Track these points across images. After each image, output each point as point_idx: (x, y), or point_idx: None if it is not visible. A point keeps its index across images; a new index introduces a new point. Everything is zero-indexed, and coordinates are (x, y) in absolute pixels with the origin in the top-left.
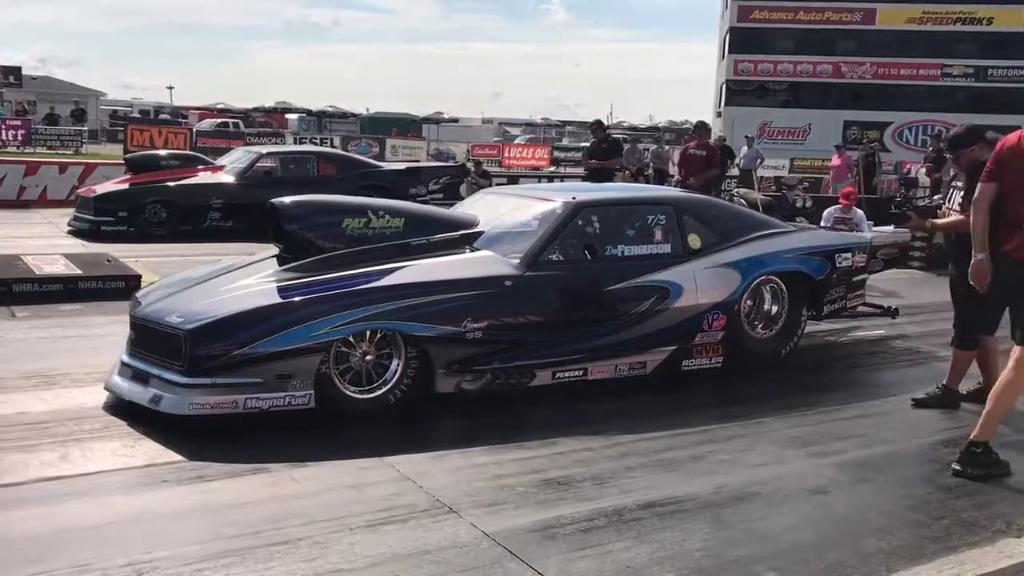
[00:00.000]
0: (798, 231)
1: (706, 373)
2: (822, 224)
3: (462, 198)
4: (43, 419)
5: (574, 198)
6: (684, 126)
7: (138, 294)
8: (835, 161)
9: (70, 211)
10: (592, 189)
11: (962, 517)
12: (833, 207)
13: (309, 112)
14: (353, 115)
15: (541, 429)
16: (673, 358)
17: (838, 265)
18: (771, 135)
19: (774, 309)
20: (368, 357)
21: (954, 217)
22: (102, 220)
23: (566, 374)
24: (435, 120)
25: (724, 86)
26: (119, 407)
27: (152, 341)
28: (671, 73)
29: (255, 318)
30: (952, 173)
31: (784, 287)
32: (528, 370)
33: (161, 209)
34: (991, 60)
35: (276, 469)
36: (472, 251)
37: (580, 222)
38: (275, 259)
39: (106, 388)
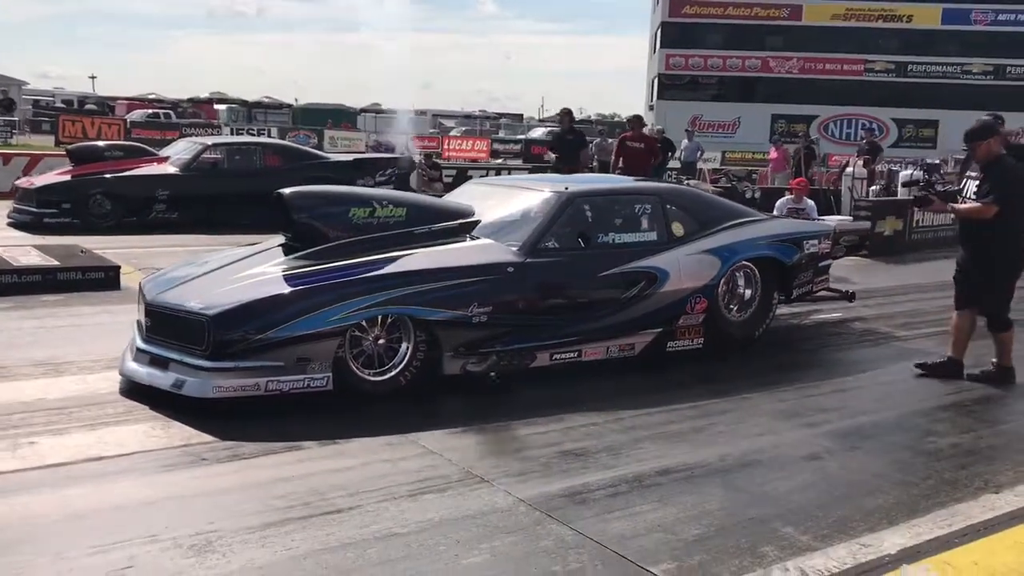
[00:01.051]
0: (769, 219)
1: (689, 354)
2: (775, 214)
3: (413, 190)
4: (64, 404)
5: (567, 188)
6: (615, 119)
7: (144, 282)
8: (773, 154)
9: (7, 203)
10: (581, 180)
11: (945, 477)
12: (785, 198)
13: (245, 103)
14: (288, 106)
15: (545, 407)
16: (659, 340)
17: (806, 251)
18: (702, 128)
19: (747, 293)
20: (380, 341)
21: (971, 204)
22: (45, 212)
23: (563, 356)
24: (373, 111)
25: (656, 80)
26: (136, 392)
27: (171, 327)
28: (600, 66)
29: (276, 304)
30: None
31: (757, 272)
32: (529, 352)
33: (106, 201)
34: (911, 56)
35: (308, 446)
36: (472, 239)
37: (573, 211)
38: (281, 248)
39: (121, 374)
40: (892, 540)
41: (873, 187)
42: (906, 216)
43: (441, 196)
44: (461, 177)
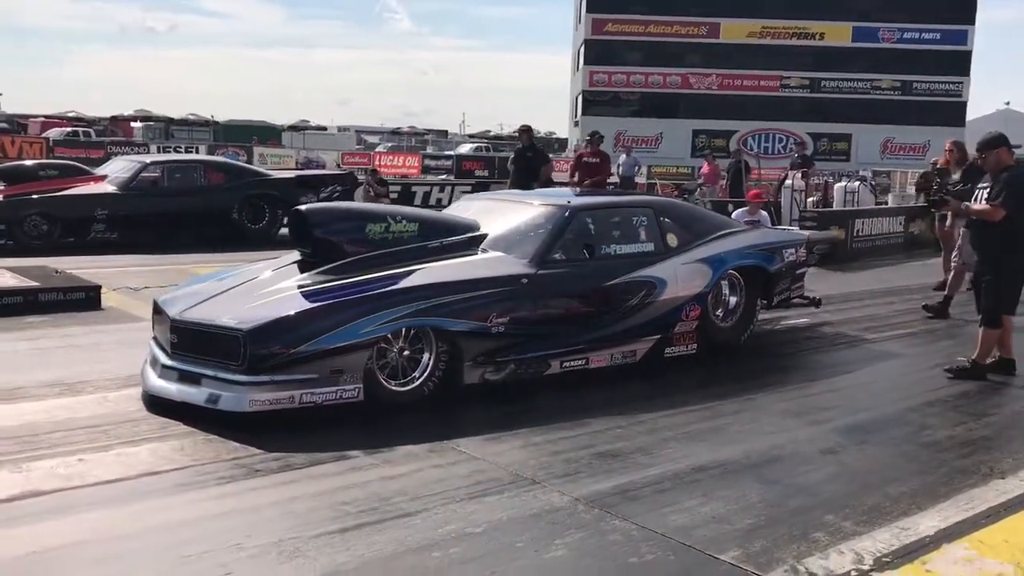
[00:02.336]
0: (751, 230)
1: (683, 359)
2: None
3: None
4: (96, 423)
5: (569, 202)
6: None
7: (160, 300)
8: (705, 169)
9: None
10: (583, 194)
11: (954, 466)
12: (740, 210)
13: (171, 120)
14: (214, 123)
15: (564, 413)
16: (658, 346)
17: (786, 259)
18: (626, 143)
19: (732, 300)
20: (405, 352)
21: (983, 205)
22: None
23: (572, 363)
24: (301, 127)
25: (580, 96)
26: (161, 408)
27: (202, 343)
28: (516, 83)
29: (308, 318)
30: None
31: (742, 280)
32: (544, 360)
33: (42, 221)
34: (823, 72)
35: (354, 455)
36: (482, 253)
37: (577, 224)
38: (298, 264)
39: (148, 391)
40: (926, 523)
41: (811, 198)
42: (848, 226)
43: None
44: (406, 193)
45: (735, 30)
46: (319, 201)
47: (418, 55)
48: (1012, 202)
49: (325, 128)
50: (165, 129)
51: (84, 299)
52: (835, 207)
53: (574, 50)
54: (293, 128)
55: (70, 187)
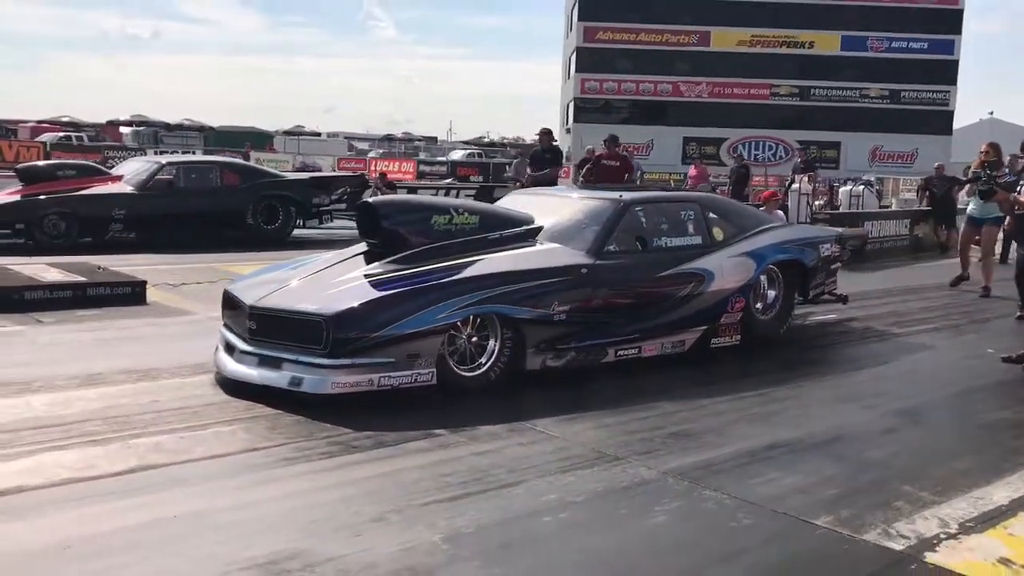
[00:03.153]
0: (788, 226)
1: (728, 350)
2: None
3: None
4: (181, 405)
5: (622, 196)
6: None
7: (232, 289)
8: (692, 172)
9: None
10: (628, 190)
11: (1009, 446)
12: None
13: (168, 125)
14: (211, 128)
15: (625, 398)
16: (704, 337)
17: (821, 254)
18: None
19: (771, 294)
20: (473, 339)
21: None
22: None
23: (626, 352)
24: (295, 133)
25: (572, 104)
26: (239, 391)
27: (282, 329)
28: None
29: (386, 304)
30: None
31: (780, 274)
32: (602, 348)
33: (60, 221)
34: (813, 80)
35: (441, 433)
36: (539, 244)
37: (630, 217)
38: (365, 255)
39: (227, 375)
40: (999, 494)
41: (818, 201)
42: (860, 228)
43: None
44: None
45: (725, 38)
46: (331, 202)
47: (403, 63)
48: None
49: (319, 134)
50: (155, 135)
51: (130, 294)
52: (841, 210)
53: (565, 58)
54: (288, 133)
55: (87, 187)
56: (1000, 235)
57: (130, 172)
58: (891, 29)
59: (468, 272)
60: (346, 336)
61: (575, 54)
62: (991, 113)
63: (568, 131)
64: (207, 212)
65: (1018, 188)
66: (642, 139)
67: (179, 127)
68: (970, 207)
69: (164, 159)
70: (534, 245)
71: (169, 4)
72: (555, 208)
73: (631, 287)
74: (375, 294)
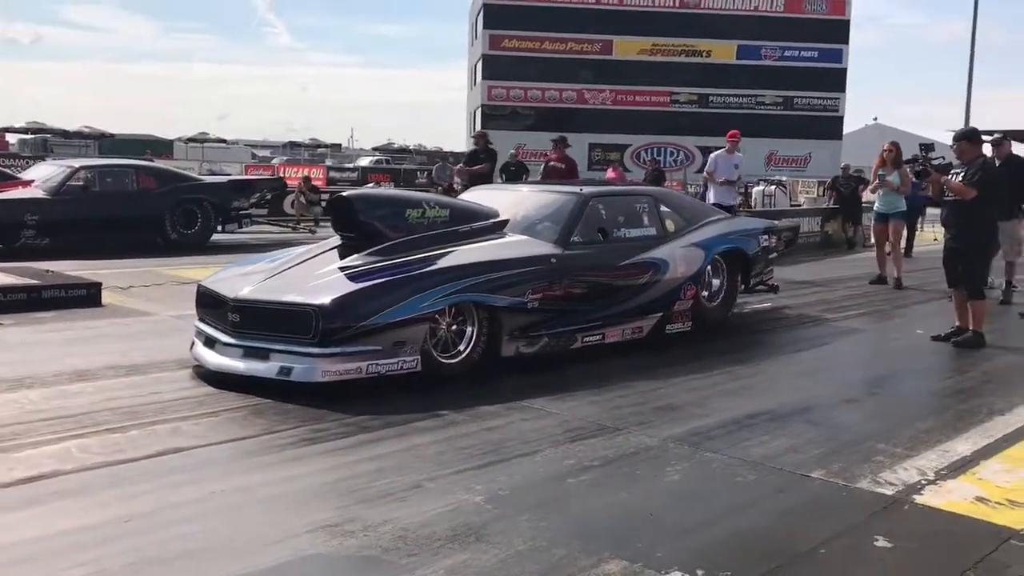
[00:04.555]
0: (731, 217)
1: (682, 335)
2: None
3: (286, 213)
4: (183, 396)
5: (582, 190)
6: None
7: (208, 284)
8: (610, 174)
9: None
10: (592, 184)
11: (958, 409)
12: None
13: (66, 133)
14: (112, 135)
15: (601, 379)
16: (660, 323)
17: (761, 244)
18: (526, 156)
19: (715, 282)
20: (453, 327)
21: (959, 183)
22: None
23: (591, 338)
24: (200, 140)
25: (479, 110)
26: (228, 383)
27: (269, 320)
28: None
29: (373, 293)
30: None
31: (724, 263)
32: (572, 335)
33: None
34: (711, 88)
35: (445, 414)
36: (507, 236)
37: (591, 210)
38: (340, 248)
39: (212, 369)
40: (961, 447)
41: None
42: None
43: (318, 220)
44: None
45: (627, 47)
46: (250, 206)
47: (299, 70)
48: (982, 185)
49: (225, 141)
50: (44, 143)
51: (85, 296)
52: (756, 209)
53: (470, 65)
54: (193, 140)
55: None
56: (904, 231)
57: (42, 177)
58: (784, 39)
59: (447, 262)
60: (335, 325)
61: (481, 61)
62: (875, 119)
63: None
64: (124, 217)
65: (950, 173)
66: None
67: (78, 135)
68: (876, 204)
69: (78, 163)
70: (503, 237)
71: (50, 9)
72: (518, 201)
73: (596, 276)
74: (361, 284)
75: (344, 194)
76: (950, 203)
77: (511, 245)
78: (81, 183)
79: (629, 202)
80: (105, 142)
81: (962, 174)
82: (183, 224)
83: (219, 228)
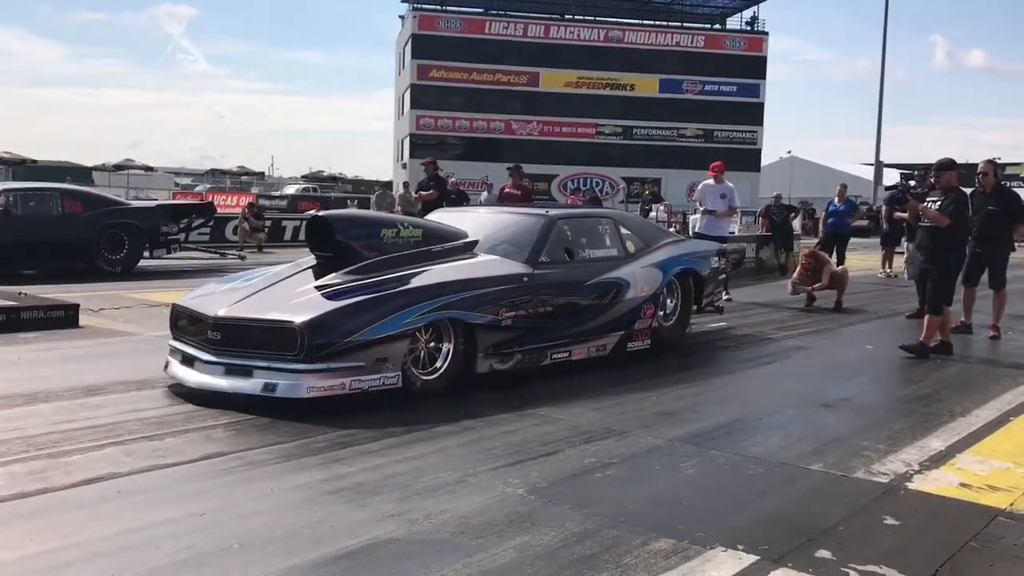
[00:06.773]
0: (685, 240)
1: (640, 353)
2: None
3: (229, 240)
4: (189, 410)
5: (548, 212)
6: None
7: (185, 303)
8: (569, 200)
9: None
10: (555, 207)
11: (924, 412)
12: None
13: None
14: (32, 161)
15: (583, 392)
16: (622, 342)
17: (712, 266)
18: (454, 186)
19: (669, 303)
20: (431, 344)
21: (935, 211)
22: None
23: (559, 356)
24: (125, 167)
25: (407, 139)
26: (217, 401)
27: (252, 338)
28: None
29: (355, 311)
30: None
31: (678, 284)
32: (542, 352)
33: None
34: (634, 120)
35: (461, 421)
36: (478, 256)
37: (557, 231)
38: (315, 268)
39: (192, 387)
40: (935, 443)
41: (672, 228)
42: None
43: (262, 245)
44: (276, 227)
45: (553, 79)
46: (179, 231)
47: (215, 97)
48: (956, 214)
49: (153, 168)
50: None
51: (64, 317)
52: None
53: (397, 94)
54: (118, 168)
55: None
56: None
57: None
58: (704, 73)
59: (424, 280)
60: (320, 341)
61: (409, 91)
62: (790, 152)
63: (404, 166)
64: (48, 241)
65: (926, 202)
66: (477, 175)
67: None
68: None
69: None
70: (475, 257)
71: None
72: (486, 223)
73: (564, 294)
74: (344, 301)
75: (322, 214)
76: (925, 228)
77: (484, 265)
78: (1, 207)
79: (592, 224)
80: (20, 169)
81: (938, 203)
82: (109, 249)
83: (147, 254)
